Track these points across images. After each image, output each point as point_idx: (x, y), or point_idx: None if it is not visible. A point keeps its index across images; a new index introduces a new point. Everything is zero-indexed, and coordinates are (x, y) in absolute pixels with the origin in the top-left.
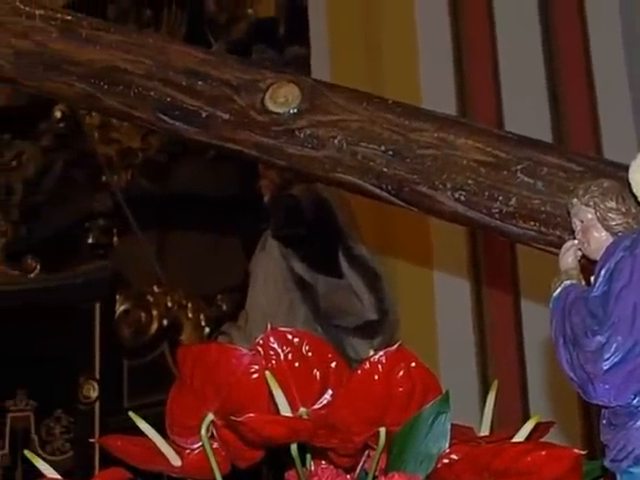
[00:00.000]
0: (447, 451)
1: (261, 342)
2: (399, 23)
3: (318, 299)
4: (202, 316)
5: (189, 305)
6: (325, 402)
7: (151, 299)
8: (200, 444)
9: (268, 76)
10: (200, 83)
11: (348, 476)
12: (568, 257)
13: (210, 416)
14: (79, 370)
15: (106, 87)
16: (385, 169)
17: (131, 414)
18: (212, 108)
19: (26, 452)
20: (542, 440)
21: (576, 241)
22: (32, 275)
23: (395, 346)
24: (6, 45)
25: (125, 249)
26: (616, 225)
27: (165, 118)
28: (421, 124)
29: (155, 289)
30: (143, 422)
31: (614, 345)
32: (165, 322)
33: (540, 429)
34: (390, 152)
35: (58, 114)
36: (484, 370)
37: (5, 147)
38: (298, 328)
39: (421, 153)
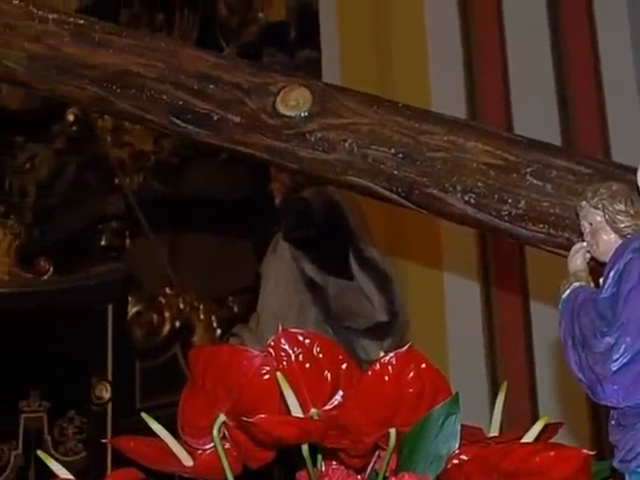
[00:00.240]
0: (457, 452)
1: (272, 343)
2: (409, 27)
3: (329, 301)
4: (214, 318)
5: (201, 307)
6: (336, 403)
7: (163, 301)
8: (212, 445)
9: (279, 79)
10: (212, 86)
11: (359, 476)
12: (577, 259)
13: (222, 417)
14: (92, 371)
15: (118, 91)
16: (395, 172)
17: (143, 415)
18: (223, 111)
19: (39, 452)
20: (551, 441)
21: (585, 243)
22: (45, 277)
23: (405, 347)
24: (19, 49)
25: (137, 251)
26: (625, 227)
27: (177, 121)
28: (431, 127)
29: (167, 291)
30: (155, 423)
31: (623, 346)
32: (177, 324)
33: (549, 430)
34: (400, 155)
35: (71, 117)
36: (493, 371)
37: (18, 150)
38: (309, 330)
39: (431, 156)
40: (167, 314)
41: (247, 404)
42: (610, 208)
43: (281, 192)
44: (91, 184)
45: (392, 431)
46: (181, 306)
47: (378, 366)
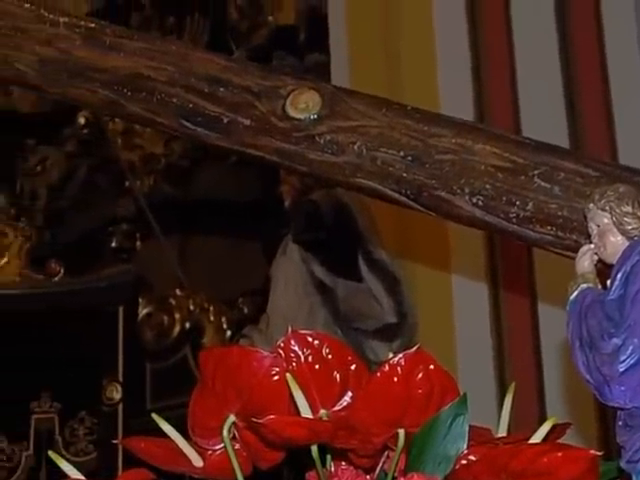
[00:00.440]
0: (465, 452)
1: (282, 345)
2: (418, 31)
3: (338, 302)
4: (224, 319)
5: (211, 308)
6: (345, 404)
7: (173, 302)
8: (222, 445)
9: (289, 83)
10: (222, 90)
11: (368, 477)
12: (584, 261)
13: (232, 418)
14: (103, 372)
15: (129, 94)
16: (404, 174)
17: (154, 416)
18: (233, 114)
19: (50, 453)
20: (559, 441)
21: (592, 245)
22: (56, 279)
23: (414, 349)
24: (31, 52)
25: (148, 253)
26: (632, 229)
27: (187, 124)
28: (439, 130)
29: (177, 292)
30: (166, 424)
31: (630, 347)
32: (187, 325)
33: (557, 431)
34: (409, 157)
35: (82, 120)
36: (501, 373)
37: (30, 153)
38: (318, 331)
39: (439, 158)
40: (177, 316)
41: (257, 405)
42: (617, 210)
43: (290, 194)
44: (102, 187)
45: (401, 432)
46: (191, 308)
47: (387, 367)
